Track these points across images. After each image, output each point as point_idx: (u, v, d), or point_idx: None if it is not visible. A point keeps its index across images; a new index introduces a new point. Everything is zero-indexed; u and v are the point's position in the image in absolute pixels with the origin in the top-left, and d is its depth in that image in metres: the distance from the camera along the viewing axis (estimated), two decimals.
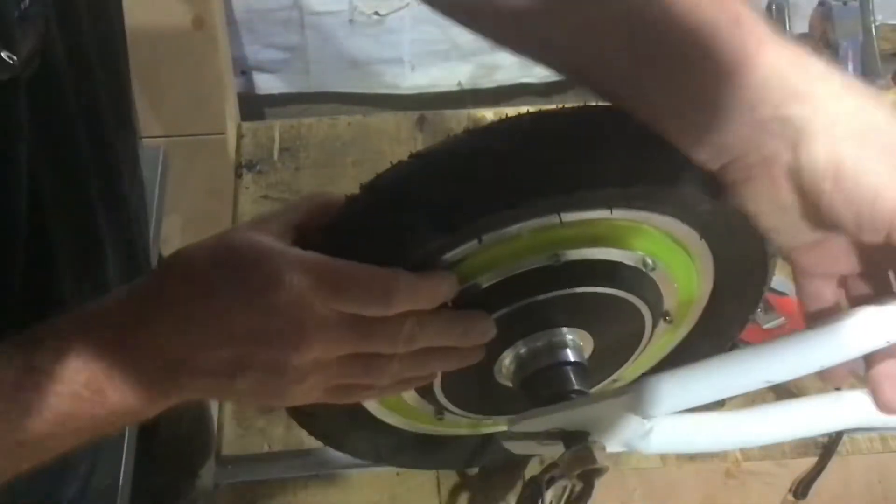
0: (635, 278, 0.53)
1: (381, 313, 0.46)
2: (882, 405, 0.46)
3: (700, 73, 0.43)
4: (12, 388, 0.42)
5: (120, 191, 0.65)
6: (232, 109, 1.59)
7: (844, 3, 1.22)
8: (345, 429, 0.63)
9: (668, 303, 0.56)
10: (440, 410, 0.60)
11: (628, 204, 0.49)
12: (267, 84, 1.80)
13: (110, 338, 0.44)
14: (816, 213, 0.43)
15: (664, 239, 0.53)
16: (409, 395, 0.59)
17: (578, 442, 0.52)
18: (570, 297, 0.52)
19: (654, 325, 0.57)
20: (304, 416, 0.60)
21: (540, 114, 0.48)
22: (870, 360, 0.46)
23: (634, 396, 0.49)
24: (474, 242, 0.48)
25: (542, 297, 0.52)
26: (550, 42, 0.48)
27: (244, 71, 1.77)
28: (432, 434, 0.66)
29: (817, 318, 0.47)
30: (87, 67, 0.57)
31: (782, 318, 0.91)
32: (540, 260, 0.50)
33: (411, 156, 0.47)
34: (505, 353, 0.55)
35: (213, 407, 1.07)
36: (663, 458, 0.81)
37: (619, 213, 0.49)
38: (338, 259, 0.46)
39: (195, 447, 1.10)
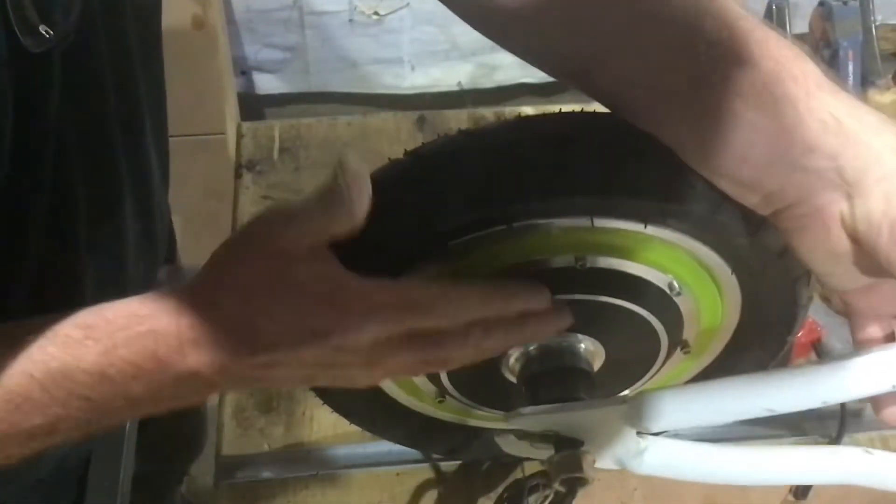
0: (659, 299, 0.52)
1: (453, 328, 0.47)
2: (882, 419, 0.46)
3: (753, 121, 0.42)
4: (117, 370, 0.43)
5: (142, 145, 0.68)
6: (232, 109, 1.59)
7: (844, 3, 1.22)
8: (348, 394, 0.63)
9: (688, 331, 0.56)
10: (442, 393, 0.60)
11: (664, 222, 0.48)
12: (267, 84, 1.80)
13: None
14: (871, 261, 0.43)
15: (694, 266, 0.52)
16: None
17: (570, 448, 0.52)
18: (589, 305, 0.52)
19: (670, 352, 0.57)
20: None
21: (595, 115, 0.48)
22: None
23: (634, 408, 0.49)
24: (503, 227, 0.47)
25: (561, 297, 0.51)
26: (570, 54, 0.49)
27: (244, 71, 1.77)
28: (429, 416, 0.66)
29: None
30: (123, 31, 0.60)
31: None
32: (565, 260, 0.50)
33: (460, 132, 0.48)
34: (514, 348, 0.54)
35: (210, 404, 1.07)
36: None
37: (652, 230, 0.48)
38: (405, 284, 0.47)
39: (186, 436, 1.10)
